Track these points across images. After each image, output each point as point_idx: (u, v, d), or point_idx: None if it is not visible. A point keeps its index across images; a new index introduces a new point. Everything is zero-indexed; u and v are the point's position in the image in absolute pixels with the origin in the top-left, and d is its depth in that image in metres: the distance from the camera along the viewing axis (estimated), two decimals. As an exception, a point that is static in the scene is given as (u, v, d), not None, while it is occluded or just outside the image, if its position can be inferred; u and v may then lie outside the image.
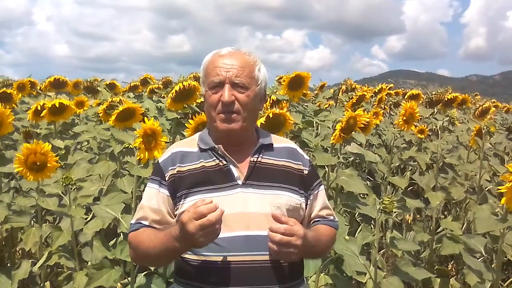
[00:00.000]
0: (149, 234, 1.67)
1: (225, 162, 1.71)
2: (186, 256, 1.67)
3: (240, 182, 1.69)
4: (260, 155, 1.75)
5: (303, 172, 1.79)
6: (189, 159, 1.73)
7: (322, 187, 1.87)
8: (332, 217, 1.88)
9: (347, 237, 2.59)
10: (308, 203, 1.80)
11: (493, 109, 6.30)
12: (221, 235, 1.58)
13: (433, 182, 4.13)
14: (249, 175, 1.69)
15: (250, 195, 1.67)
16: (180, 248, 1.55)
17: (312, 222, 1.83)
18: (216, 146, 1.72)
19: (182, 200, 1.67)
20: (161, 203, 1.71)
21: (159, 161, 1.78)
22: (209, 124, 1.78)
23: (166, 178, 1.71)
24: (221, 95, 1.67)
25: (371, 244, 2.89)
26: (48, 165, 2.94)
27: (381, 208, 2.34)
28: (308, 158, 1.87)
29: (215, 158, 1.72)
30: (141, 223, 1.72)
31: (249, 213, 1.64)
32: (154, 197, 1.72)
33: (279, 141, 1.84)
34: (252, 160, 1.72)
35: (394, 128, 4.27)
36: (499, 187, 2.40)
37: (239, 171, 1.70)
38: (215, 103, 1.69)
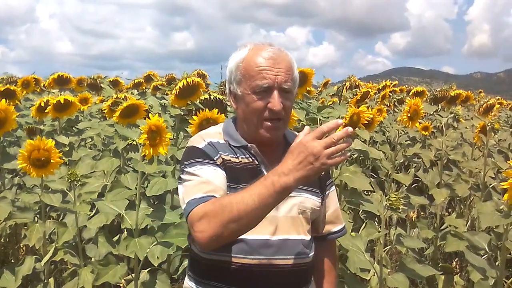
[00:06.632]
0: (231, 194, 1.49)
1: (257, 162, 1.66)
2: (211, 257, 1.62)
3: None
4: None
5: (321, 174, 1.78)
6: (227, 151, 1.66)
7: (333, 186, 1.88)
8: (340, 226, 1.87)
9: (353, 234, 2.59)
10: (323, 203, 1.79)
11: (498, 106, 6.28)
12: (248, 237, 1.55)
13: (437, 179, 4.12)
14: None
15: None
16: (291, 184, 1.34)
17: (322, 235, 1.83)
18: (249, 145, 1.66)
19: None
20: (225, 184, 1.58)
21: (199, 147, 1.65)
22: (247, 127, 1.68)
23: (218, 163, 1.61)
24: (269, 102, 1.58)
25: (375, 241, 2.89)
26: (51, 161, 2.94)
27: (388, 204, 2.34)
28: None
29: (248, 155, 1.66)
30: (213, 196, 1.51)
31: (278, 217, 1.62)
32: (220, 177, 1.58)
33: None
34: None
35: (398, 125, 4.26)
36: (502, 183, 2.39)
37: None
38: (261, 110, 1.60)
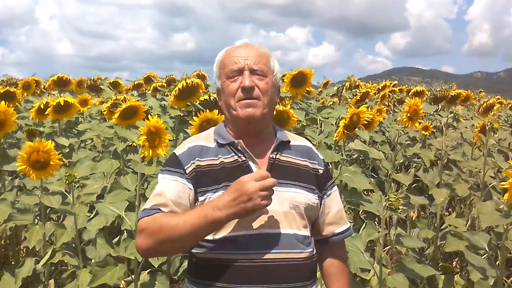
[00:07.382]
0: (172, 216, 1.56)
1: (244, 158, 1.67)
2: (204, 255, 1.63)
3: None
4: (279, 153, 1.72)
5: (319, 172, 1.78)
6: (208, 154, 1.68)
7: (335, 187, 1.87)
8: (345, 227, 1.85)
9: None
10: (323, 202, 1.78)
11: (497, 105, 6.27)
12: (240, 233, 1.57)
13: (437, 179, 4.11)
14: (269, 172, 1.59)
15: None
16: (221, 219, 1.47)
17: (325, 237, 1.81)
18: (235, 141, 1.69)
19: (200, 196, 1.62)
20: (183, 196, 1.62)
21: (176, 154, 1.71)
22: (228, 114, 1.73)
23: (187, 172, 1.65)
24: (241, 82, 1.66)
25: (375, 241, 2.89)
26: (51, 163, 2.94)
27: (387, 205, 2.34)
28: (322, 158, 1.85)
29: (233, 153, 1.68)
30: (160, 209, 1.59)
31: (269, 211, 1.61)
32: (175, 189, 1.63)
33: (295, 139, 1.83)
34: (271, 156, 1.70)
35: (398, 125, 4.26)
36: (502, 183, 2.39)
37: (258, 168, 1.66)
38: (234, 91, 1.67)
